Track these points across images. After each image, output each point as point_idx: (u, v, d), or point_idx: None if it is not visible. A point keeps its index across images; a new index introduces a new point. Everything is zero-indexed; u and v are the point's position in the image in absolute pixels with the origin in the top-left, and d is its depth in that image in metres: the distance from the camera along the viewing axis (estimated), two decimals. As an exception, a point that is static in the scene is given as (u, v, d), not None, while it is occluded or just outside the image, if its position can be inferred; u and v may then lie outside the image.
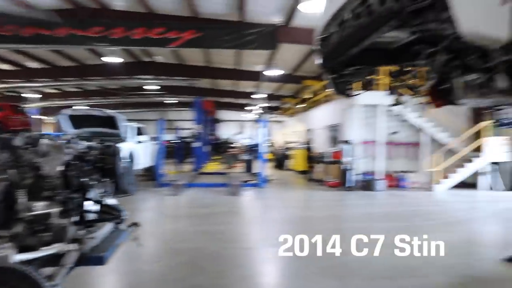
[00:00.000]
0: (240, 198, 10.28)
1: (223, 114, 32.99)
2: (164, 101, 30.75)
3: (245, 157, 20.23)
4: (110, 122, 10.19)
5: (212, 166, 18.84)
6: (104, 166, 2.77)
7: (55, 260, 2.00)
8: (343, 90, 3.76)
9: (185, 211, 8.59)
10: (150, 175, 12.78)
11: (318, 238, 5.82)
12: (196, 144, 17.26)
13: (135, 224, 2.64)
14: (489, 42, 1.86)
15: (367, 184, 12.15)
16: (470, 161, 12.24)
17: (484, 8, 1.79)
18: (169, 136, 20.18)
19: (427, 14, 2.00)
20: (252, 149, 20.00)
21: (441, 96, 3.49)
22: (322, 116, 17.33)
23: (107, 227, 2.53)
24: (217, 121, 27.14)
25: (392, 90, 12.02)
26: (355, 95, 3.84)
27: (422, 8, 1.96)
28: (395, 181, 12.86)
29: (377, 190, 11.74)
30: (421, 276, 4.41)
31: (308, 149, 15.21)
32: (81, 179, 2.40)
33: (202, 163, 18.03)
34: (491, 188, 12.27)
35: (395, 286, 4.19)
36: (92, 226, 2.41)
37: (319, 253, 5.27)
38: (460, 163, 12.45)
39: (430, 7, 1.93)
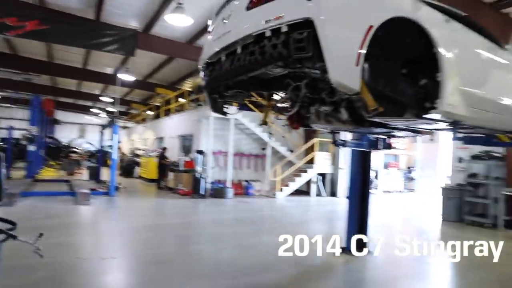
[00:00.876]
0: (88, 208, 9.65)
1: (64, 115, 29.64)
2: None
3: (90, 163, 18.83)
4: None
5: (50, 173, 16.85)
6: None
7: None
8: (221, 109, 4.22)
9: (28, 223, 7.59)
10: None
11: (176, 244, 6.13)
12: (31, 147, 15.22)
13: (13, 236, 2.46)
14: (347, 90, 2.58)
15: (218, 192, 12.93)
16: (305, 171, 14.36)
17: (346, 65, 2.50)
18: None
19: (307, 62, 2.62)
20: (96, 155, 18.74)
21: (298, 120, 4.29)
22: (174, 125, 17.59)
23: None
24: (57, 122, 24.28)
25: (242, 106, 13.27)
26: (231, 114, 4.32)
27: (304, 57, 2.56)
28: (243, 189, 14.07)
29: (227, 198, 12.63)
30: (277, 270, 5.16)
31: (160, 157, 15.21)
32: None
33: (38, 168, 15.98)
34: (318, 195, 14.65)
35: (259, 280, 4.80)
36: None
37: (182, 257, 5.61)
38: (297, 173, 14.49)
39: (310, 58, 2.54)
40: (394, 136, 5.55)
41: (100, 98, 25.30)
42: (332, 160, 15.09)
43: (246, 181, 14.39)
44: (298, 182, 14.29)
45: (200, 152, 13.08)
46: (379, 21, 2.59)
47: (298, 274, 5.17)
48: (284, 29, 2.58)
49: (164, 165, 14.90)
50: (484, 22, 6.26)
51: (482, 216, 9.22)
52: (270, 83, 3.75)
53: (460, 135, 3.90)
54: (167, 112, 19.41)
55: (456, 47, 3.18)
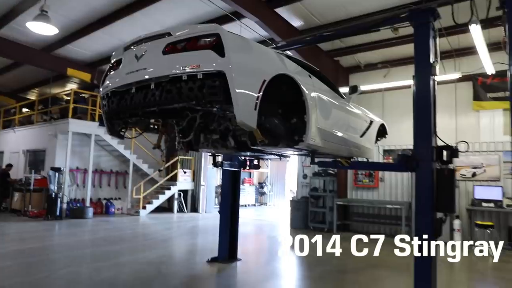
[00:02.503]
0: None
1: None
2: None
3: None
4: None
5: None
6: None
7: None
8: (118, 133, 4.48)
9: None
10: None
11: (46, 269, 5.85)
12: None
13: None
14: (247, 128, 3.34)
15: (76, 212, 12.14)
16: (168, 188, 14.64)
17: (248, 109, 3.25)
18: None
19: (216, 103, 3.28)
20: None
21: (189, 145, 4.88)
22: (19, 139, 15.62)
23: None
24: None
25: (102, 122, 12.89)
26: (131, 138, 4.60)
27: (215, 100, 3.22)
28: (103, 208, 13.51)
29: (87, 218, 11.98)
30: (161, 283, 5.50)
31: (3, 175, 13.37)
32: None
33: None
34: (180, 211, 15.09)
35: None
36: None
37: (59, 281, 5.45)
38: (160, 190, 14.66)
39: (219, 101, 3.22)
40: (262, 159, 6.60)
41: None
42: (193, 177, 15.80)
43: (107, 199, 13.87)
44: (161, 199, 14.49)
45: (55, 169, 12.09)
46: (269, 77, 3.46)
47: (180, 284, 5.61)
48: (200, 76, 3.21)
49: (8, 184, 13.13)
50: (322, 66, 8.05)
51: (322, 223, 11.24)
52: (170, 112, 4.24)
53: (316, 160, 5.09)
54: (8, 123, 17.04)
55: (316, 96, 4.31)
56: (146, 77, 3.48)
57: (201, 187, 15.63)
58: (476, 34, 5.87)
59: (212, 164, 6.39)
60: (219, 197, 18.32)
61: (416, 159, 4.74)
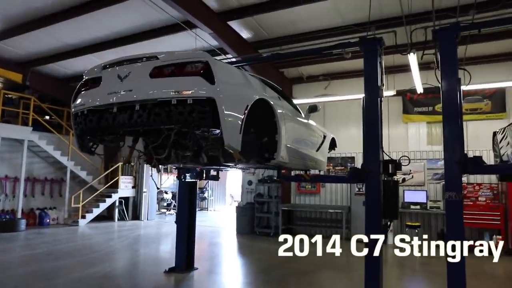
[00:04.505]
0: None
1: None
2: None
3: None
4: None
5: None
6: None
7: None
8: (89, 148, 4.43)
9: None
10: None
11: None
12: None
13: None
14: (233, 149, 3.57)
15: (5, 225, 11.20)
16: (109, 196, 14.08)
17: (234, 133, 3.49)
18: None
19: (204, 127, 3.47)
20: None
21: (158, 159, 4.95)
22: None
23: None
24: None
25: (36, 126, 12.09)
26: (100, 154, 4.55)
27: (204, 124, 3.41)
28: (37, 219, 12.62)
29: (19, 231, 11.14)
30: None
31: None
32: None
33: None
34: (121, 219, 14.60)
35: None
36: None
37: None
38: (100, 198, 14.04)
39: (208, 125, 3.41)
40: (222, 170, 6.82)
41: None
42: (134, 184, 15.38)
43: (41, 209, 12.97)
44: (102, 208, 13.90)
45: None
46: (251, 101, 3.74)
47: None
48: (190, 101, 3.37)
49: None
50: (269, 77, 8.39)
51: (267, 227, 11.68)
52: (148, 131, 4.30)
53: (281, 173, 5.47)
54: None
55: (284, 116, 4.67)
56: (133, 98, 3.54)
57: (143, 194, 15.27)
58: (413, 61, 6.71)
59: (177, 177, 6.45)
60: (160, 203, 18.08)
61: (366, 172, 5.31)
